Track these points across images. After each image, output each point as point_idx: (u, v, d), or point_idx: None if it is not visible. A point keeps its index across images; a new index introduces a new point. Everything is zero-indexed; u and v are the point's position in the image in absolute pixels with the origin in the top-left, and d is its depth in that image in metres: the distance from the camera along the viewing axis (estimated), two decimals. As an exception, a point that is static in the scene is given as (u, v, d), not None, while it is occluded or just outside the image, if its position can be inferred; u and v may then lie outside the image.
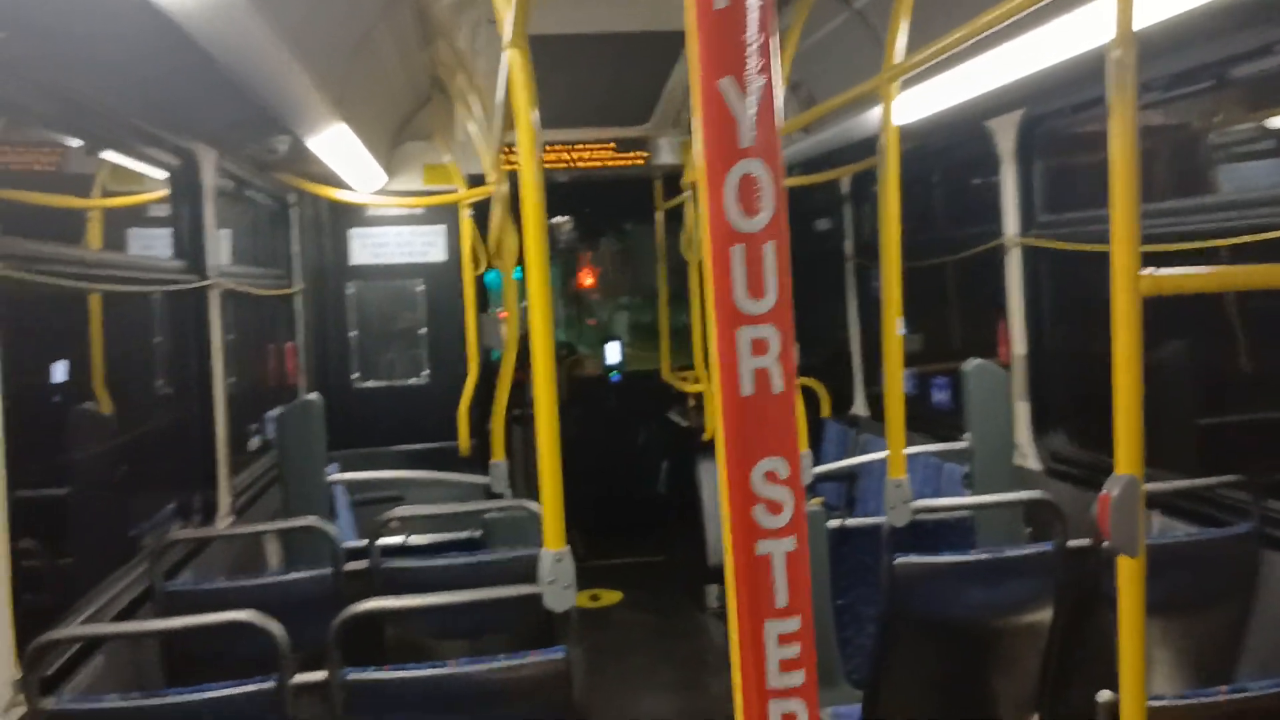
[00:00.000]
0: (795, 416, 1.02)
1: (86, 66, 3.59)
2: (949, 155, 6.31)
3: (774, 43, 0.95)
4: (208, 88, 3.95)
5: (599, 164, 8.11)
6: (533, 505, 4.21)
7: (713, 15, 0.95)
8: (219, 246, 5.30)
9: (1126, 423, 2.27)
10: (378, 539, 4.13)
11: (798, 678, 1.03)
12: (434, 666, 2.99)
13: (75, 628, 3.43)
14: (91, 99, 3.81)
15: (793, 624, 1.02)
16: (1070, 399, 5.37)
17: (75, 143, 4.39)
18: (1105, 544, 2.34)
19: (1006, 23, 3.12)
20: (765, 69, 0.95)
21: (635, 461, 9.91)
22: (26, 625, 2.96)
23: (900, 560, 3.73)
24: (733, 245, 0.96)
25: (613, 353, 10.31)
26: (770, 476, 0.99)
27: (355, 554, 4.13)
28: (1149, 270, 2.26)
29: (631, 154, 8.21)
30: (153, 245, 5.38)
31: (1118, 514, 2.30)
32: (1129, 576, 2.34)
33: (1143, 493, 2.32)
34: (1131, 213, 2.23)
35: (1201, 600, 3.88)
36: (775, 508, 0.99)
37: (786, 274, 0.99)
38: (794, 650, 1.02)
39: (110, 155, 4.57)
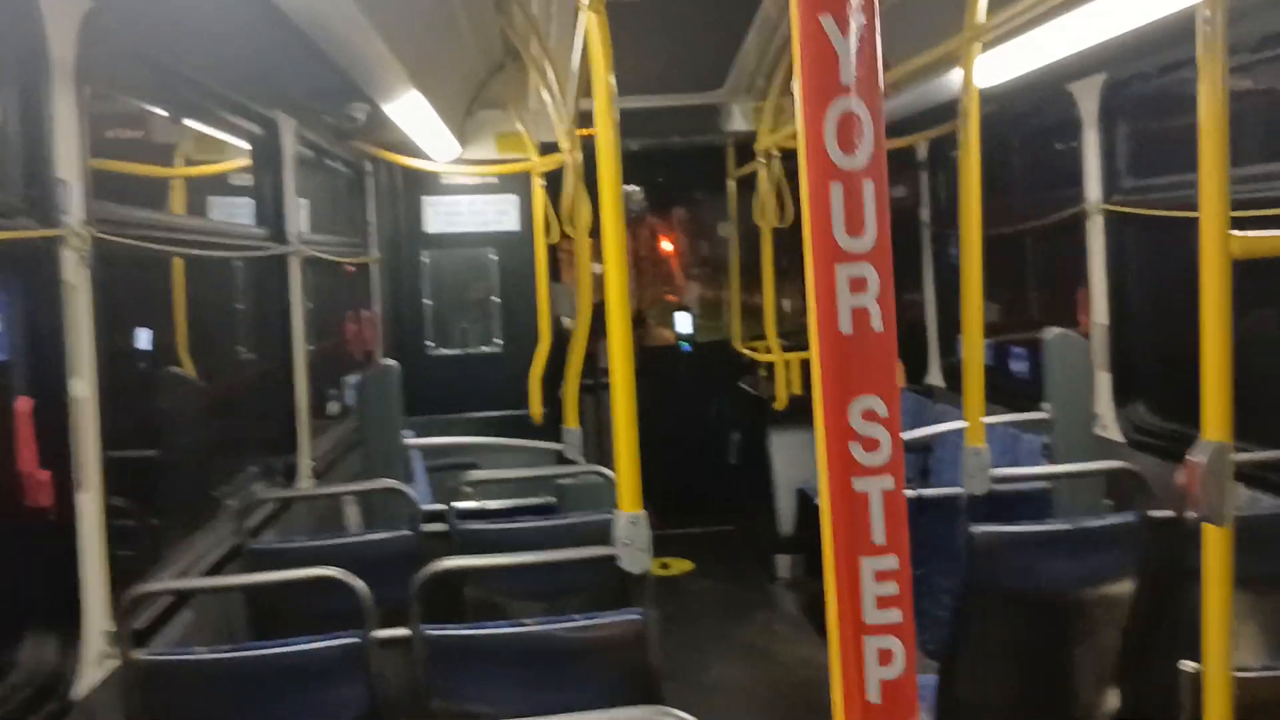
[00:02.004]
0: (895, 356, 1.01)
1: (175, 36, 3.66)
2: (1029, 119, 6.18)
3: (876, -19, 0.95)
4: (290, 56, 4.01)
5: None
6: (606, 471, 4.25)
7: (815, -48, 0.94)
8: (299, 214, 5.39)
9: (1215, 388, 2.22)
10: (454, 503, 4.20)
11: (895, 615, 1.03)
12: (513, 625, 3.03)
13: (166, 581, 3.54)
14: (180, 68, 3.89)
15: (890, 561, 1.02)
16: (1153, 369, 5.25)
17: (160, 112, 4.49)
18: (1191, 513, 2.30)
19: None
20: (866, 6, 0.94)
21: (706, 431, 9.90)
22: (118, 579, 3.06)
23: (979, 530, 3.69)
24: (832, 182, 0.95)
25: (683, 323, 10.28)
26: (868, 415, 0.98)
27: (432, 517, 4.19)
28: (1240, 232, 2.20)
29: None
30: (235, 214, 5.49)
31: (1206, 481, 2.25)
32: (1215, 547, 2.30)
33: (1231, 461, 2.27)
34: (1221, 175, 2.17)
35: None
36: (872, 445, 0.99)
37: (885, 214, 0.98)
38: (891, 588, 1.02)
39: (194, 124, 4.67)
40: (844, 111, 0.94)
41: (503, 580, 3.91)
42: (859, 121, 0.95)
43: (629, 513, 2.99)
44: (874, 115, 0.95)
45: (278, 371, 5.21)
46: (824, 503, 1.02)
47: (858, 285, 0.97)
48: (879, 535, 1.00)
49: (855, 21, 0.93)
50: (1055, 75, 5.11)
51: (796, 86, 0.97)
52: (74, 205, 2.90)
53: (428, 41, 5.15)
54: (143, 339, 4.60)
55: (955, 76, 5.24)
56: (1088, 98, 5.20)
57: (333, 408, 6.77)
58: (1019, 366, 6.58)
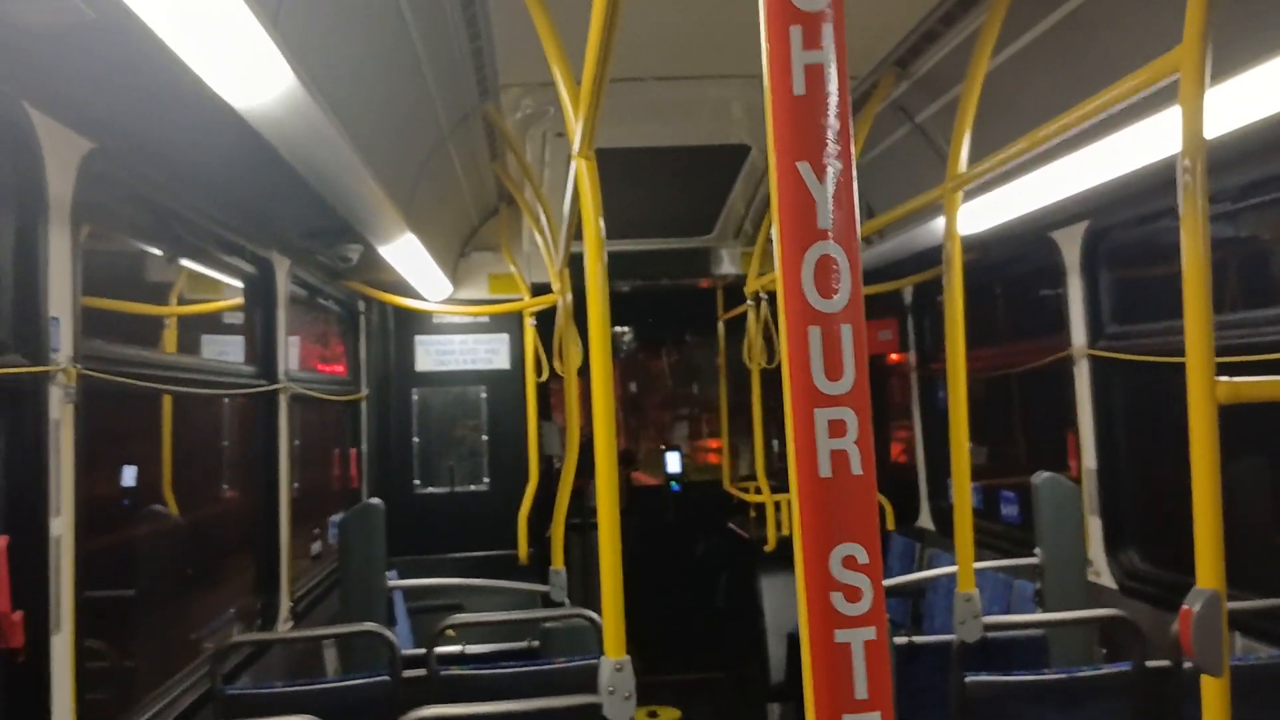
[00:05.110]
0: (875, 502, 1.00)
1: (173, 177, 3.73)
2: (1014, 265, 6.29)
3: (850, 129, 0.98)
4: (286, 198, 4.08)
5: None
6: (592, 615, 4.17)
7: (791, 100, 0.97)
8: (290, 352, 5.41)
9: (1207, 536, 2.20)
10: (435, 646, 4.10)
11: (880, 774, 0.99)
12: None
13: None
14: (177, 208, 3.95)
15: (872, 719, 0.99)
16: (1144, 514, 5.22)
17: (155, 251, 4.55)
18: (1187, 663, 2.26)
19: (1069, 134, 3.14)
20: (842, 154, 0.97)
21: (695, 573, 9.77)
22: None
23: (971, 679, 3.61)
24: (810, 325, 0.97)
25: (673, 462, 10.26)
26: (848, 562, 0.96)
27: (413, 661, 4.09)
28: (1225, 378, 2.22)
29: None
30: (223, 351, 5.50)
31: (1200, 630, 2.22)
32: (1213, 697, 2.25)
33: (1225, 610, 2.24)
34: (1206, 322, 2.20)
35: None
36: (854, 594, 0.97)
37: (864, 357, 0.99)
38: (876, 745, 0.99)
39: (189, 263, 4.72)
40: (821, 255, 0.96)
41: (484, 729, 3.79)
42: (836, 265, 0.96)
43: (614, 659, 2.92)
44: (851, 259, 0.96)
45: (261, 510, 5.14)
46: (805, 656, 1.00)
47: (837, 429, 0.97)
48: (861, 689, 0.98)
49: (832, 168, 0.96)
50: (1038, 223, 5.22)
51: (775, 231, 0.99)
52: (64, 342, 2.91)
53: (423, 186, 5.26)
54: (126, 475, 4.55)
55: (939, 224, 5.36)
56: (1070, 245, 5.31)
57: (315, 547, 6.67)
58: (1009, 510, 6.54)
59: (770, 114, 0.99)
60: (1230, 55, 3.00)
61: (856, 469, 0.97)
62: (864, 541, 0.96)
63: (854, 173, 0.98)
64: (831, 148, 0.96)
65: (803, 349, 0.96)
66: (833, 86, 0.97)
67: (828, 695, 0.97)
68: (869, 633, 0.98)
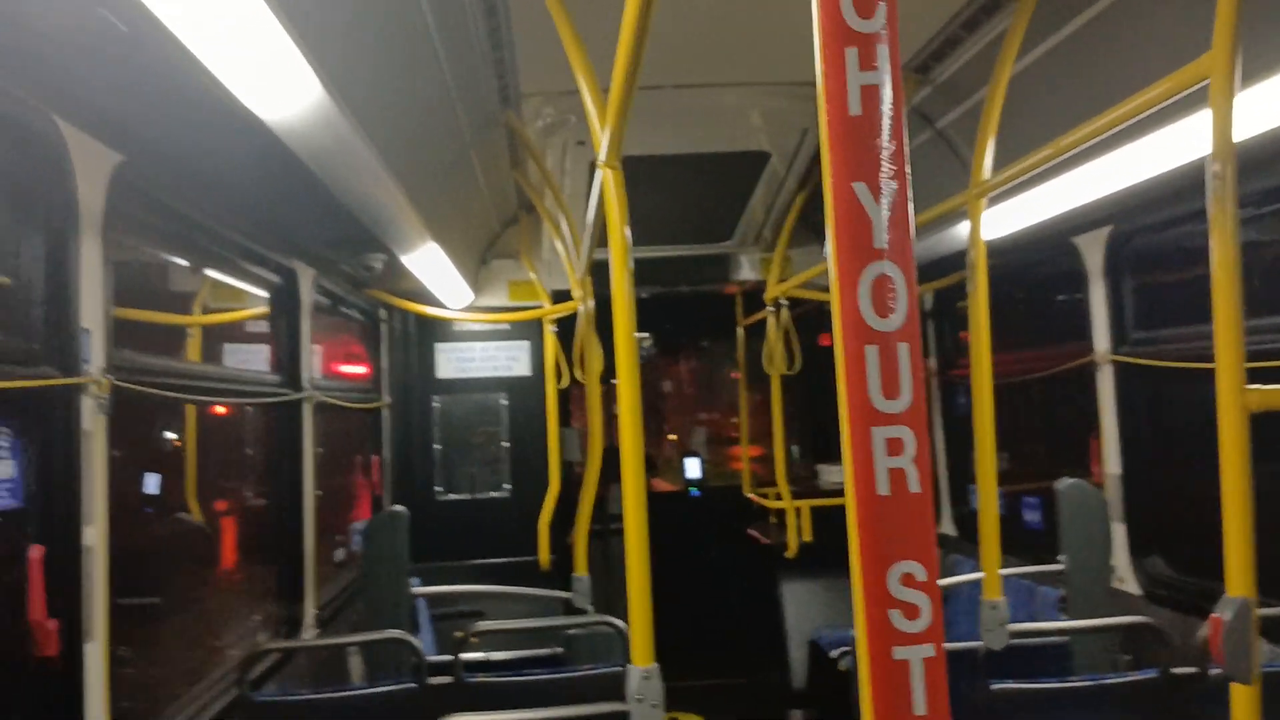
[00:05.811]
0: (932, 519, 1.00)
1: (200, 188, 3.76)
2: (1036, 271, 6.27)
3: (906, 149, 0.98)
4: (312, 208, 4.11)
5: None
6: (616, 621, 4.17)
7: (847, 122, 0.98)
8: (313, 361, 5.44)
9: (1237, 543, 2.20)
10: (459, 653, 4.11)
11: (939, 790, 1.00)
12: None
13: None
14: (203, 219, 3.98)
15: (934, 734, 1.00)
16: (1169, 520, 5.19)
17: (181, 262, 4.58)
18: (1215, 671, 2.25)
19: (1093, 141, 3.13)
20: (898, 174, 0.97)
21: (715, 579, 9.75)
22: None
23: (998, 686, 3.60)
24: (867, 345, 0.97)
25: (692, 468, 10.24)
26: (907, 580, 0.96)
27: (437, 668, 4.10)
28: (1257, 385, 2.21)
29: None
30: (248, 360, 5.53)
31: (1230, 638, 2.21)
32: (1243, 704, 2.24)
33: (1256, 618, 2.23)
34: (1236, 327, 2.20)
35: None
36: (913, 611, 0.97)
37: (920, 375, 0.99)
38: (936, 763, 0.99)
39: (215, 273, 4.75)
40: (879, 275, 0.97)
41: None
42: (893, 284, 0.97)
43: (642, 666, 2.92)
44: (908, 278, 0.97)
45: (286, 517, 5.17)
46: (863, 673, 1.00)
47: (894, 447, 0.97)
48: (921, 706, 0.98)
49: (887, 188, 0.96)
50: (1060, 228, 5.20)
51: (829, 250, 1.00)
52: (95, 353, 2.93)
53: (445, 195, 5.28)
54: (150, 483, 4.58)
55: (959, 230, 5.34)
56: (1093, 250, 5.29)
57: (338, 554, 6.70)
58: (1032, 516, 6.51)
59: (825, 135, 0.99)
60: (1257, 58, 2.99)
61: (915, 487, 0.97)
62: (922, 559, 0.97)
63: (909, 192, 0.98)
64: (887, 168, 0.96)
65: (860, 368, 0.96)
66: (887, 107, 0.97)
67: (886, 712, 0.97)
68: (928, 649, 0.98)
